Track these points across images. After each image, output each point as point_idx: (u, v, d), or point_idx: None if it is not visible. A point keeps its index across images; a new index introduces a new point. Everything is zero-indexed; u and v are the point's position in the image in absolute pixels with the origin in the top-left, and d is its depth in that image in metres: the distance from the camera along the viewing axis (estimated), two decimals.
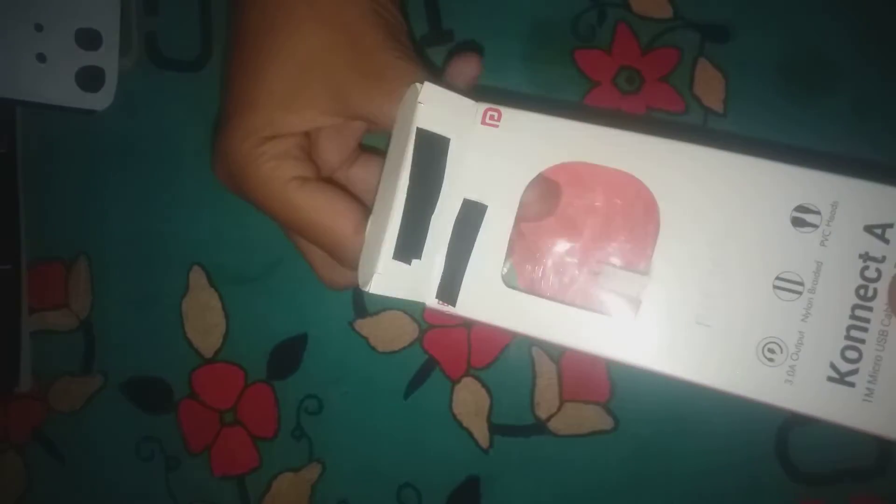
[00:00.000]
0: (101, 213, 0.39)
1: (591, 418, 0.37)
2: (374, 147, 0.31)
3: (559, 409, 0.37)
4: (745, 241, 0.21)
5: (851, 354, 0.20)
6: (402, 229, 0.23)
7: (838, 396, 0.20)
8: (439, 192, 0.23)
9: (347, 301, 0.38)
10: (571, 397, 0.37)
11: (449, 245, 0.23)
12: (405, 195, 0.23)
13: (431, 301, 0.23)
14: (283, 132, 0.26)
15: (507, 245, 0.23)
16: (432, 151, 0.23)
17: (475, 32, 0.38)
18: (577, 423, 0.37)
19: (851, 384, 0.20)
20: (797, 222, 0.21)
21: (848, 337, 0.20)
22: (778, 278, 0.21)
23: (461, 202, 0.23)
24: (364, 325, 0.38)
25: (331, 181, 0.29)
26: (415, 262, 0.23)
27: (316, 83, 0.26)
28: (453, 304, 0.23)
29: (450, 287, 0.23)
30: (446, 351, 0.37)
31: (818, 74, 0.37)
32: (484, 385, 0.37)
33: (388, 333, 0.38)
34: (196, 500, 0.39)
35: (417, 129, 0.23)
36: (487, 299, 0.23)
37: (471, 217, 0.23)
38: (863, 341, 0.20)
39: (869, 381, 0.20)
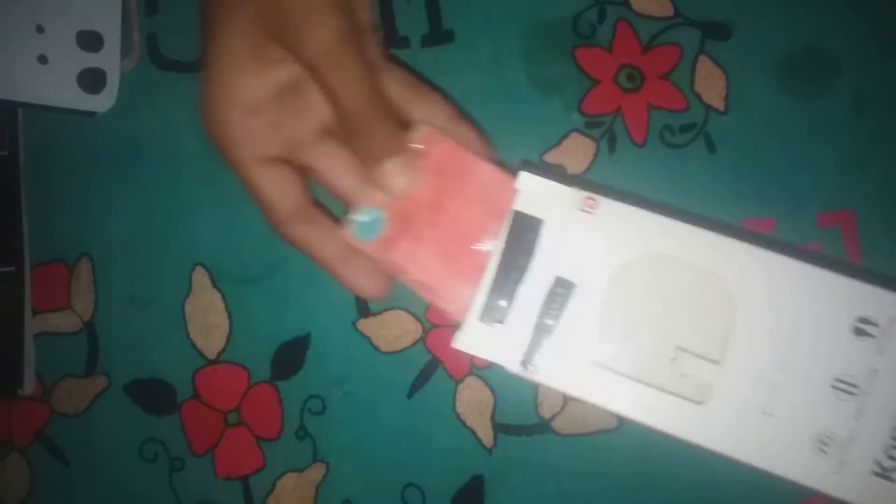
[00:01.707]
0: (104, 214, 0.39)
1: (595, 417, 0.37)
2: None
3: (563, 407, 0.37)
4: (810, 342, 0.24)
5: (895, 454, 0.23)
6: (490, 296, 0.26)
7: (881, 490, 0.23)
8: (528, 267, 0.26)
9: (350, 301, 0.38)
10: None
11: (538, 317, 0.26)
12: (496, 266, 0.26)
13: (514, 366, 0.26)
14: (251, 97, 0.30)
15: (596, 323, 0.25)
16: (525, 230, 0.26)
17: (476, 31, 0.38)
18: (580, 421, 0.37)
19: (894, 480, 0.23)
20: (858, 331, 0.24)
21: (893, 437, 0.23)
22: (836, 379, 0.24)
23: (553, 279, 0.26)
24: (367, 325, 0.38)
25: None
26: (499, 326, 0.26)
27: (259, 39, 0.29)
28: (536, 371, 0.25)
29: (534, 355, 0.26)
30: (449, 350, 0.37)
31: (818, 70, 0.37)
32: (487, 384, 0.37)
33: (391, 333, 0.38)
34: (200, 502, 0.38)
35: (514, 210, 0.26)
36: (569, 371, 0.25)
37: (561, 293, 0.26)
38: None
39: None
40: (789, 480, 0.24)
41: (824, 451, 0.23)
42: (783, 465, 0.24)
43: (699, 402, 0.24)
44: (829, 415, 0.23)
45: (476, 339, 0.26)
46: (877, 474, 0.23)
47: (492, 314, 0.26)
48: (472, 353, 0.26)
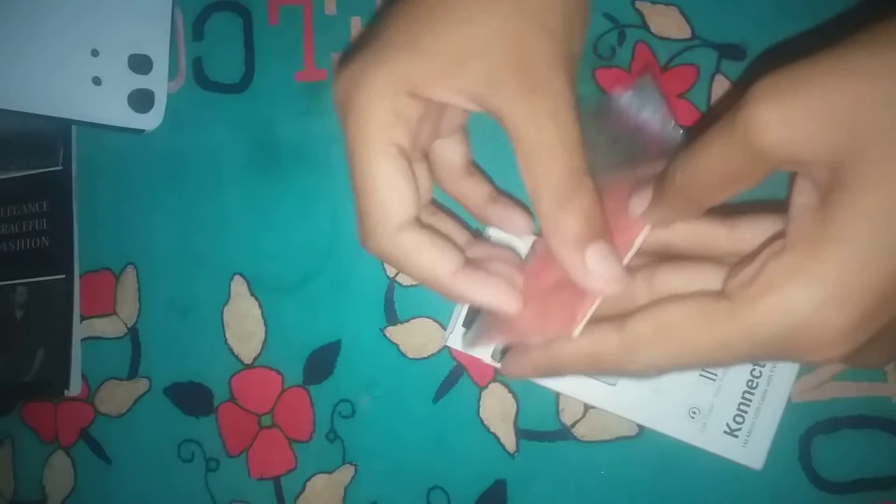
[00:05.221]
0: (149, 225, 0.42)
1: (615, 424, 0.38)
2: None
3: (583, 415, 0.38)
4: None
5: (739, 419, 0.34)
6: (469, 309, 0.36)
7: (730, 443, 0.34)
8: None
9: (379, 309, 0.40)
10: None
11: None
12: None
13: (487, 358, 0.36)
14: (419, 94, 0.26)
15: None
16: None
17: None
18: (601, 428, 0.38)
19: (737, 436, 0.34)
20: None
21: (738, 409, 0.34)
22: (703, 369, 0.35)
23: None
24: (395, 333, 0.39)
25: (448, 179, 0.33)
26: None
27: (476, 63, 0.25)
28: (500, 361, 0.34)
29: (499, 351, 0.36)
30: (473, 357, 0.39)
31: None
32: (510, 391, 0.39)
33: (417, 340, 0.39)
34: (234, 501, 0.40)
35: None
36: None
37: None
38: (746, 412, 0.34)
39: (746, 435, 0.34)
40: (671, 436, 0.35)
41: (693, 418, 0.34)
42: (667, 427, 0.35)
43: (612, 385, 0.35)
44: (697, 393, 0.34)
45: (461, 339, 0.36)
46: (726, 433, 0.34)
47: (471, 322, 0.35)
48: (459, 349, 0.36)
